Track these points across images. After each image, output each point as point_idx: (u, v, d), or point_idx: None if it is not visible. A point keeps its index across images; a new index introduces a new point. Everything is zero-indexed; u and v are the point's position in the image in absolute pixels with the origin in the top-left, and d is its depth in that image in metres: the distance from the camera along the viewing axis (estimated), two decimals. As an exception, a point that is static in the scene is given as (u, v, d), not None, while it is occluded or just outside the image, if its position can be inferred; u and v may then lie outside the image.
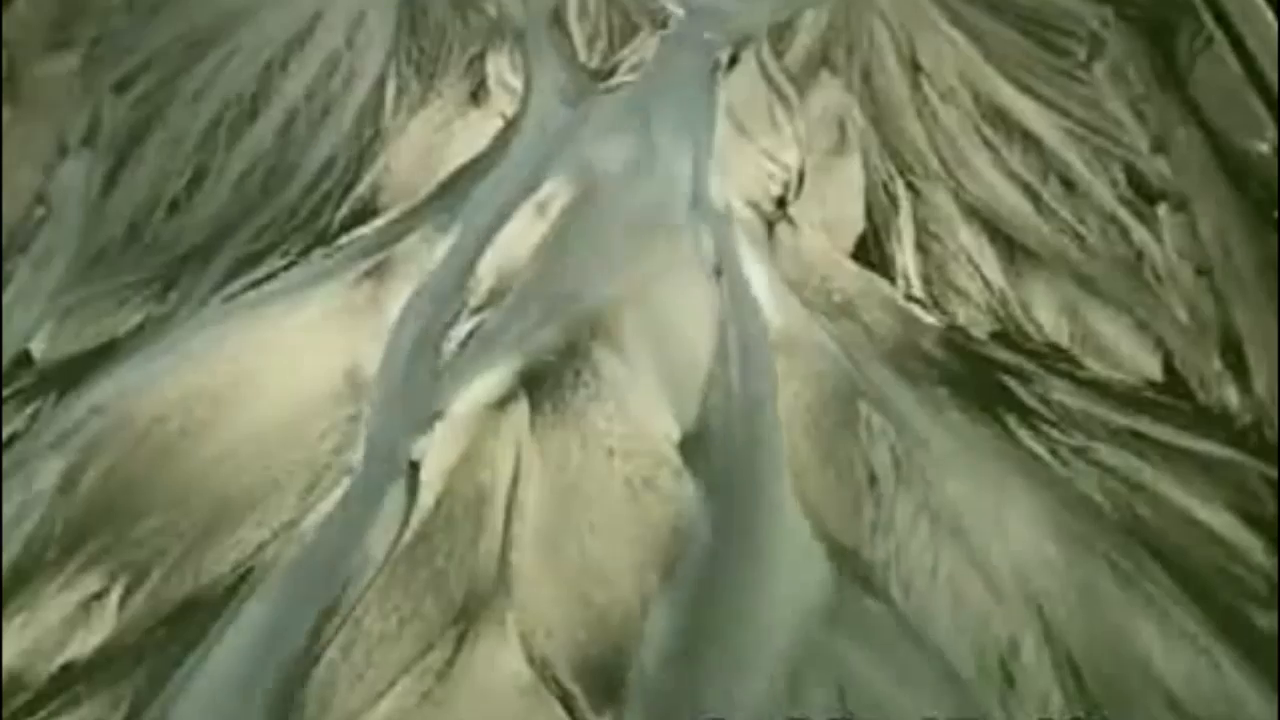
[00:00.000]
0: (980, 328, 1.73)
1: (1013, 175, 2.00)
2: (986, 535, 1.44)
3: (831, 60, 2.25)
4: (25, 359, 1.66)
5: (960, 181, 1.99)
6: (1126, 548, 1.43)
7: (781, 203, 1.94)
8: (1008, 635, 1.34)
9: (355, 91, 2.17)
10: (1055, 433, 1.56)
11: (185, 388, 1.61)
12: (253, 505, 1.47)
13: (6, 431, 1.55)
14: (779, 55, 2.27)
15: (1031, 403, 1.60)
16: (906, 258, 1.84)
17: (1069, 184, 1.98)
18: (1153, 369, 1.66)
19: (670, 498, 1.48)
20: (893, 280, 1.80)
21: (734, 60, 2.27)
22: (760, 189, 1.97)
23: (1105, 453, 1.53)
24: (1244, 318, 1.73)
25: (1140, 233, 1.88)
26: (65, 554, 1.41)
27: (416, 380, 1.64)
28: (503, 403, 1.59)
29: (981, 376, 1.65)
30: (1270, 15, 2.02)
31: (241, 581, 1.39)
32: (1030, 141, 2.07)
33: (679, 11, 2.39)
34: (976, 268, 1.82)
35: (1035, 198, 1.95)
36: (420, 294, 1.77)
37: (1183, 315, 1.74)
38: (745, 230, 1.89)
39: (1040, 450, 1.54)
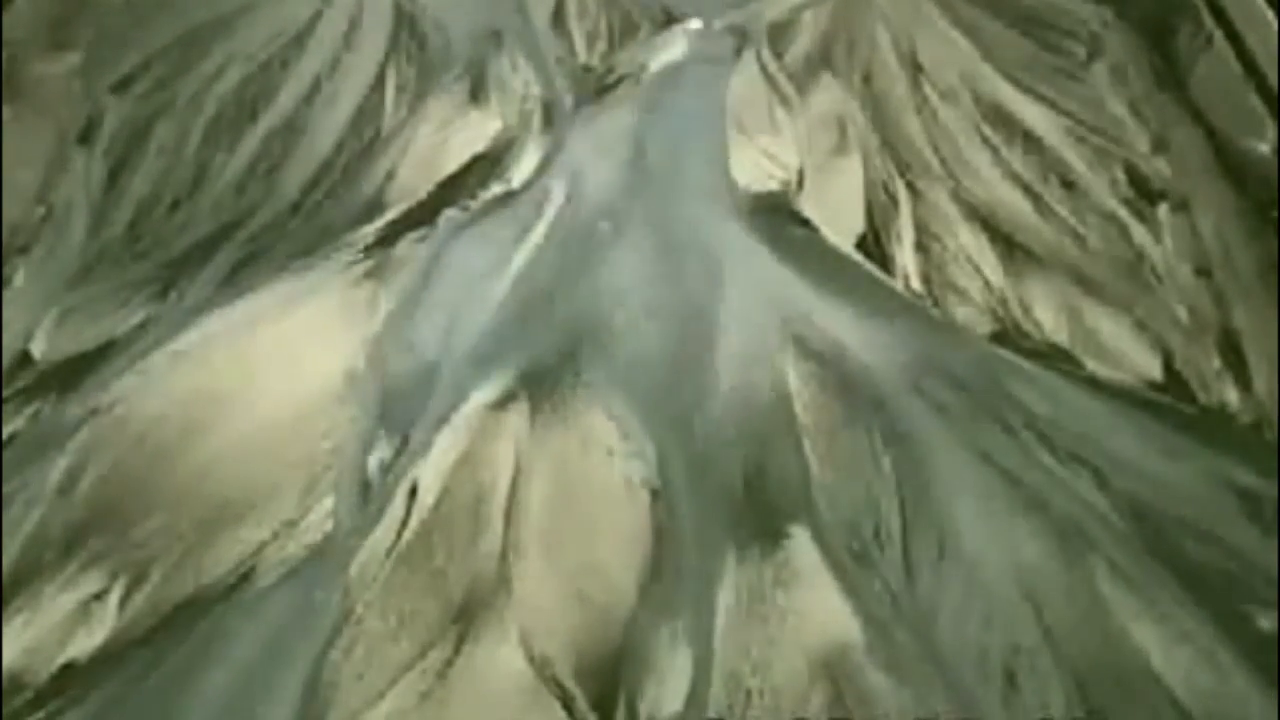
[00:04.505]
0: (980, 328, 1.73)
1: (1013, 175, 2.00)
2: (987, 536, 1.44)
3: (831, 60, 2.25)
4: (25, 359, 1.65)
5: (960, 181, 1.99)
6: (1126, 548, 1.43)
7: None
8: (1009, 636, 1.34)
9: (355, 91, 2.16)
10: (1055, 433, 1.56)
11: (185, 388, 1.61)
12: (253, 505, 1.47)
13: (6, 431, 1.55)
14: (779, 55, 2.27)
15: (1031, 403, 1.60)
16: (906, 258, 1.84)
17: (1069, 184, 1.98)
18: (1153, 369, 1.66)
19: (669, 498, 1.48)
20: (893, 280, 1.80)
21: (734, 60, 2.27)
22: (760, 189, 1.97)
23: (1106, 453, 1.53)
24: (1244, 318, 1.73)
25: (1140, 233, 1.88)
26: (65, 554, 1.41)
27: (416, 381, 1.64)
28: (503, 403, 1.59)
29: (981, 377, 1.65)
30: (1270, 15, 2.02)
31: (242, 581, 1.39)
32: (1030, 141, 2.07)
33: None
34: (976, 268, 1.82)
35: (1035, 198, 1.95)
36: (420, 294, 1.77)
37: (1183, 315, 1.74)
38: (745, 231, 1.89)
39: (1040, 451, 1.54)
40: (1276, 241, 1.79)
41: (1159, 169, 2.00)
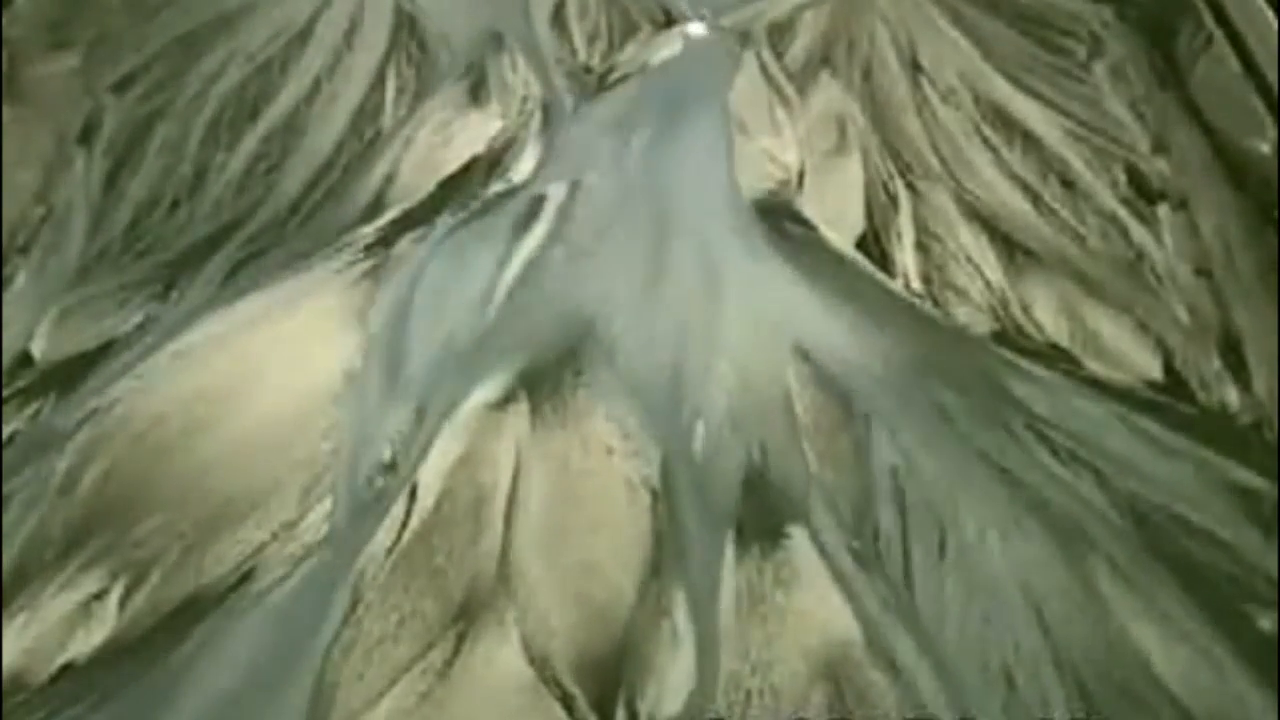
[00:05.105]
0: (980, 328, 1.73)
1: (1013, 175, 2.00)
2: (987, 537, 1.44)
3: (831, 60, 2.25)
4: (25, 359, 1.66)
5: (960, 181, 1.99)
6: (1126, 548, 1.43)
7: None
8: (1009, 636, 1.34)
9: (355, 92, 2.17)
10: (1055, 433, 1.56)
11: (185, 388, 1.61)
12: (253, 505, 1.47)
13: (6, 431, 1.55)
14: (779, 55, 2.27)
15: (1031, 403, 1.60)
16: (906, 258, 1.84)
17: (1069, 184, 1.98)
18: (1153, 369, 1.66)
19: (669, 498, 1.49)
20: (893, 280, 1.80)
21: (734, 60, 2.27)
22: (760, 189, 1.97)
23: (1106, 453, 1.53)
24: (1244, 318, 1.73)
25: (1140, 233, 1.88)
26: (65, 554, 1.41)
27: (416, 380, 1.64)
28: (503, 403, 1.59)
29: (981, 377, 1.65)
30: (1270, 15, 2.02)
31: (242, 581, 1.39)
32: (1030, 141, 2.07)
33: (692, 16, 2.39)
34: (976, 268, 1.82)
35: (1035, 198, 1.96)
36: (419, 294, 1.77)
37: (1183, 315, 1.74)
38: (745, 231, 1.89)
39: (1040, 451, 1.54)
40: (1276, 241, 1.79)
41: (1159, 169, 2.00)
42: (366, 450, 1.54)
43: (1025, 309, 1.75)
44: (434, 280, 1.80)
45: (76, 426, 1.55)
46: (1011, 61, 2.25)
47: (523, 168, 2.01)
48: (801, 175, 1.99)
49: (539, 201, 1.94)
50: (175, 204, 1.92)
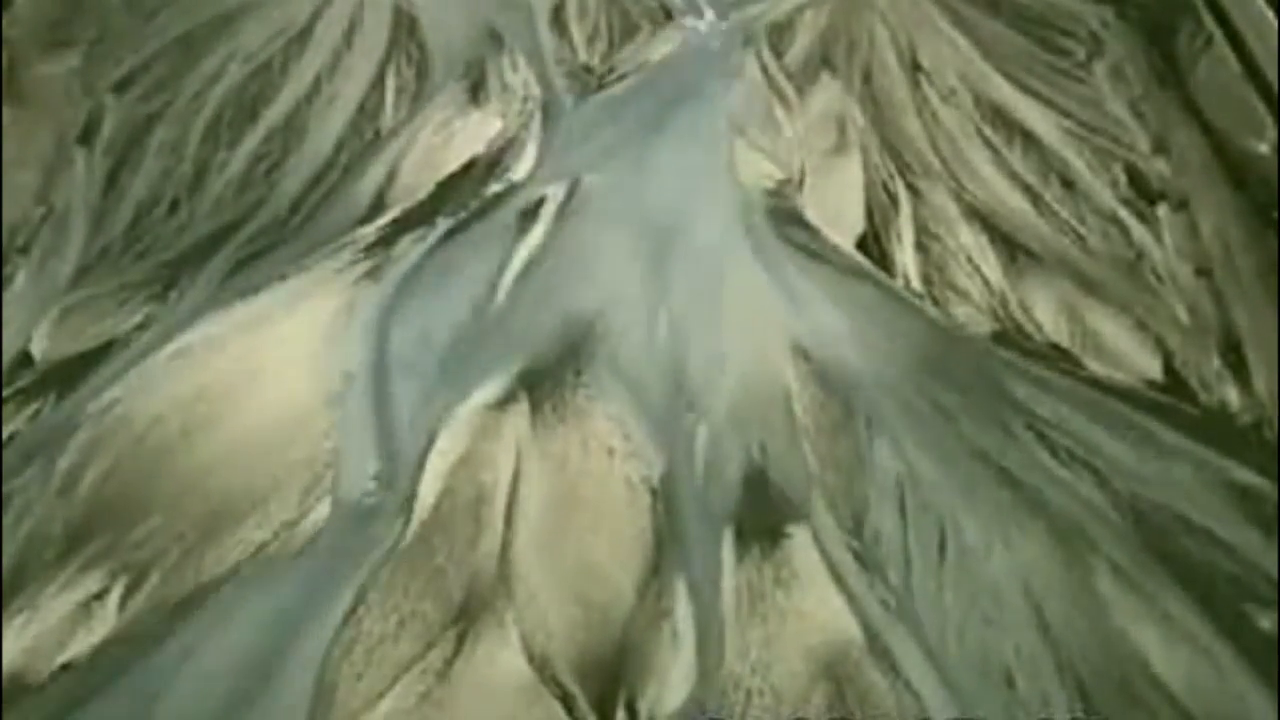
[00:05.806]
0: (980, 328, 1.73)
1: (1013, 175, 2.00)
2: (987, 536, 1.44)
3: (831, 60, 2.26)
4: (25, 359, 1.66)
5: (960, 181, 1.99)
6: (1126, 548, 1.43)
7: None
8: (1009, 636, 1.34)
9: (355, 92, 2.16)
10: (1055, 433, 1.56)
11: (185, 388, 1.61)
12: (253, 505, 1.47)
13: (6, 431, 1.55)
14: (779, 55, 2.27)
15: (1032, 403, 1.60)
16: (906, 258, 1.84)
17: (1069, 184, 1.98)
18: (1153, 369, 1.66)
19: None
20: (893, 280, 1.80)
21: (734, 60, 2.27)
22: (760, 189, 1.97)
23: (1105, 453, 1.53)
24: (1244, 318, 1.73)
25: (1140, 233, 1.88)
26: (65, 554, 1.41)
27: (416, 381, 1.64)
28: (503, 403, 1.59)
29: (981, 377, 1.65)
30: (1270, 15, 2.02)
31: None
32: (1030, 141, 2.07)
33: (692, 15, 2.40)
34: (976, 268, 1.82)
35: (1035, 198, 1.96)
36: (419, 294, 1.77)
37: (1183, 315, 1.74)
38: (745, 231, 1.89)
39: (1040, 451, 1.54)
40: (1276, 241, 1.79)
41: (1159, 169, 2.00)
42: (366, 451, 1.54)
43: (1025, 309, 1.75)
44: (434, 280, 1.80)
45: (76, 426, 1.55)
46: (1011, 61, 2.25)
47: (522, 168, 2.01)
48: (801, 175, 1.99)
49: (538, 201, 1.94)
50: (175, 204, 1.92)
